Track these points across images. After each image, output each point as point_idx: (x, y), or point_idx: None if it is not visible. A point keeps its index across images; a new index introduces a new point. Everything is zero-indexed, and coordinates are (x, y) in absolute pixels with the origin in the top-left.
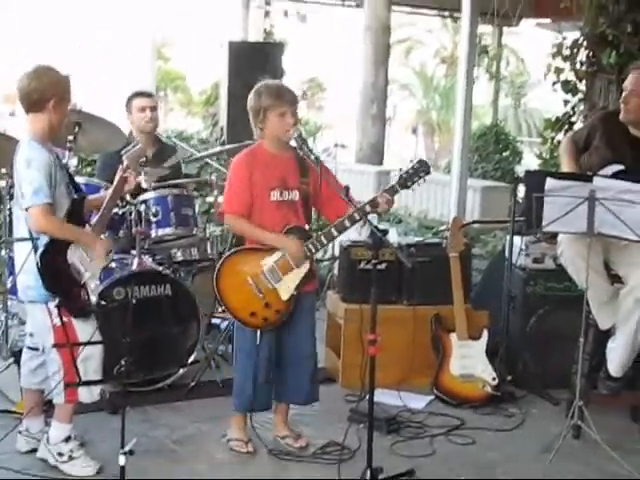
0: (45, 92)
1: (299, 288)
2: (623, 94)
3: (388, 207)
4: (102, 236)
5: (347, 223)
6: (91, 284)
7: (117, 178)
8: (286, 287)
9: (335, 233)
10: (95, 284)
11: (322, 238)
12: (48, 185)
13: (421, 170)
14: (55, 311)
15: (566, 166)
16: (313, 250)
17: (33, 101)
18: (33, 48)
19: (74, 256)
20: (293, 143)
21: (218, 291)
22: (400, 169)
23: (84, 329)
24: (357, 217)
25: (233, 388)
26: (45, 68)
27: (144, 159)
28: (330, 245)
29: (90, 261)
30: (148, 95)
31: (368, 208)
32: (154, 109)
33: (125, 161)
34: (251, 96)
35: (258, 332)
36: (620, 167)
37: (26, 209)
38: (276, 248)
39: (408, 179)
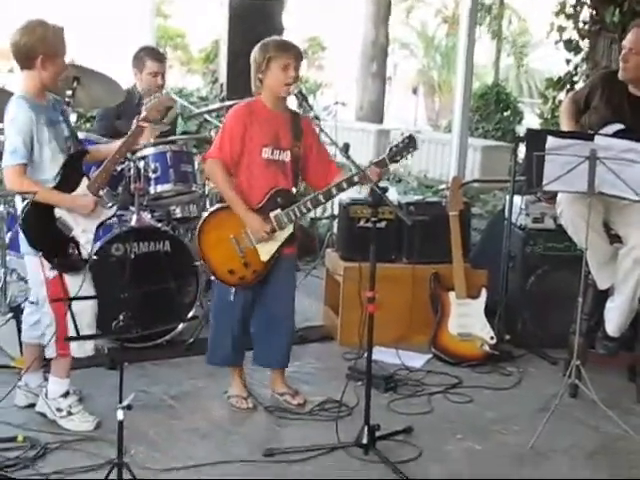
0: (33, 49)
1: (280, 250)
2: (622, 52)
3: (377, 179)
4: (100, 192)
5: (334, 191)
6: (82, 238)
7: (133, 128)
8: (267, 248)
9: (322, 199)
10: (87, 238)
11: (308, 204)
12: (26, 146)
13: (410, 146)
14: (48, 264)
15: (566, 126)
16: (298, 214)
17: (23, 57)
18: (31, 2)
19: (63, 209)
20: (293, 100)
21: (199, 245)
22: (390, 142)
23: (74, 282)
24: (345, 186)
25: (208, 343)
26: (35, 23)
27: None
28: (329, 203)
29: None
30: (162, 59)
31: (356, 179)
32: (164, 74)
33: (144, 112)
34: (256, 48)
35: (232, 290)
36: (620, 126)
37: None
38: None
39: (398, 153)
